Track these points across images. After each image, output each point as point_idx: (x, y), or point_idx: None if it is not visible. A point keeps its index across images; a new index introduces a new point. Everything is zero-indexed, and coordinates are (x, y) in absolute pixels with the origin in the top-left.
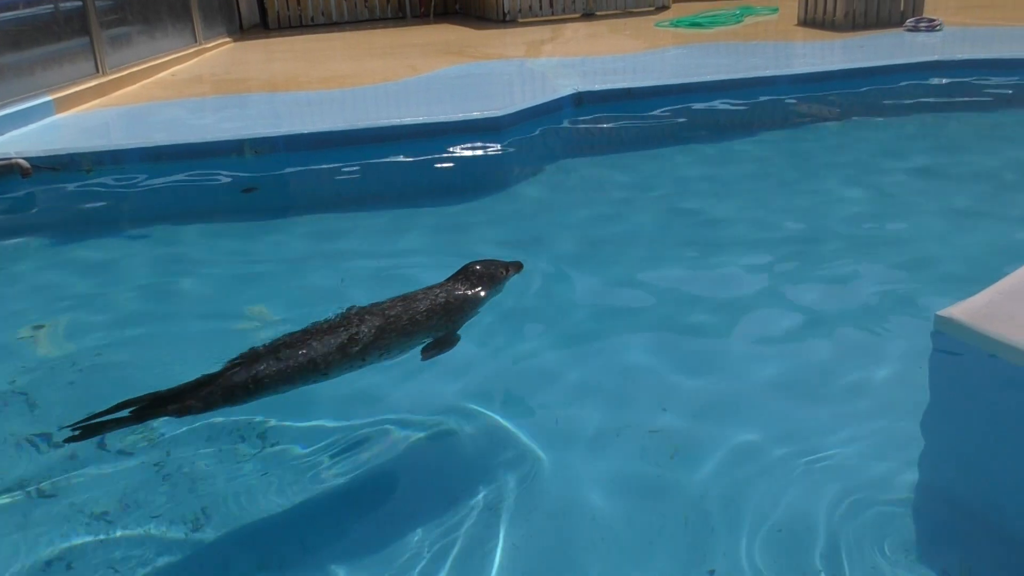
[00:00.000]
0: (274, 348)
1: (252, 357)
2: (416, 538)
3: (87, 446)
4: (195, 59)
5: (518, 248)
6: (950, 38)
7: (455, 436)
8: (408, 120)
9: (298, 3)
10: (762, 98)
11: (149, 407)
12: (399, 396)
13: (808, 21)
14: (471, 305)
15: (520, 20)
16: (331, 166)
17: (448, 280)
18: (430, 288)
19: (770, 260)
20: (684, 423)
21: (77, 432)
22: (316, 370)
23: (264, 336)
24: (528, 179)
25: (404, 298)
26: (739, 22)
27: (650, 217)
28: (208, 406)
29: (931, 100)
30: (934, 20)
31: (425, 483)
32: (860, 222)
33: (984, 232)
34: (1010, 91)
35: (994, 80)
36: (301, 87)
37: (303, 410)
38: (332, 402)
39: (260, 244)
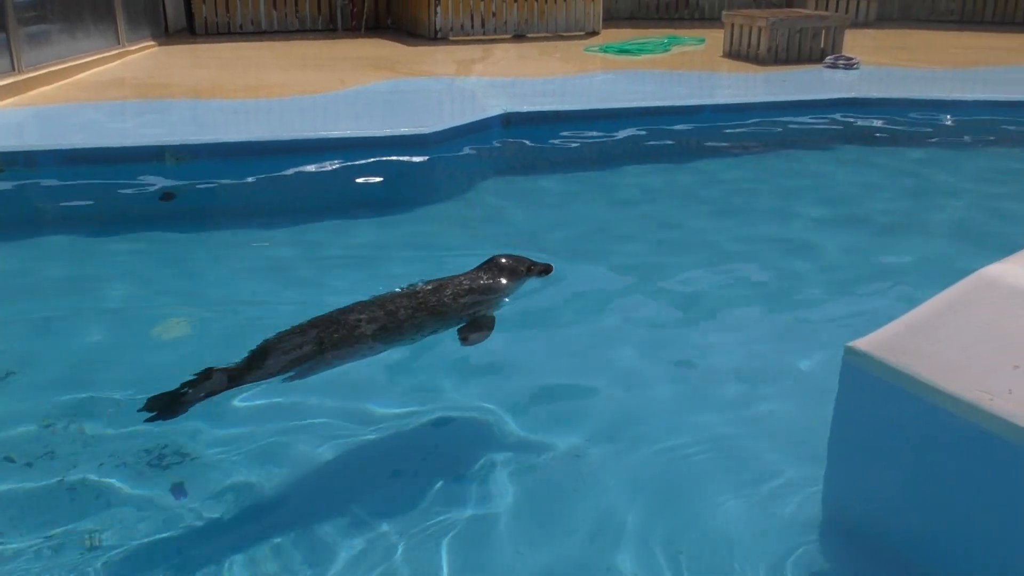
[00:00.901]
0: (321, 324)
1: (302, 333)
2: (381, 534)
3: None
4: (117, 62)
5: (438, 265)
6: (866, 76)
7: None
8: (335, 133)
9: (227, 9)
10: (687, 126)
11: (226, 378)
12: (333, 406)
13: (732, 53)
14: (492, 293)
15: (452, 38)
16: (254, 177)
17: (474, 269)
18: (456, 276)
19: (684, 288)
20: (577, 458)
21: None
22: (364, 344)
23: (172, 343)
24: (453, 197)
25: (436, 283)
26: (666, 51)
27: (570, 240)
28: (266, 375)
29: (847, 135)
30: (852, 59)
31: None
32: (774, 250)
33: (900, 264)
34: (921, 128)
35: (907, 117)
36: (227, 95)
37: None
38: (251, 415)
39: (177, 251)
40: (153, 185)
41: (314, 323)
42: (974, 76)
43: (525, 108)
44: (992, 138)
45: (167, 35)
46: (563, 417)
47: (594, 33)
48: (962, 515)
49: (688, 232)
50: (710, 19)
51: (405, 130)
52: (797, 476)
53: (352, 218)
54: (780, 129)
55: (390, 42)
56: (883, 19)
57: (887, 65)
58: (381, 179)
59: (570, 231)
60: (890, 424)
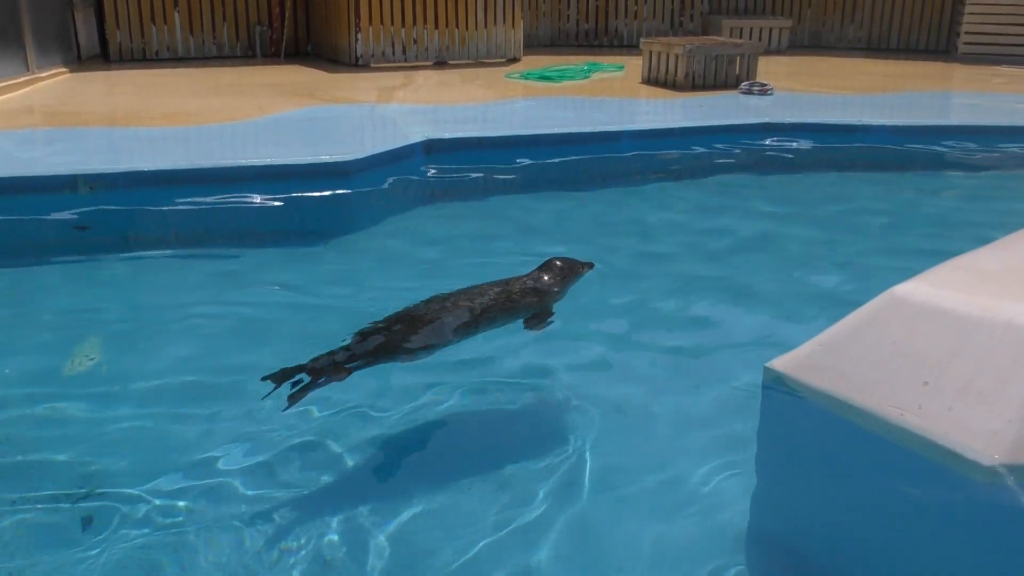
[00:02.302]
0: (405, 319)
1: (394, 324)
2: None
3: None
4: (26, 89)
5: (363, 291)
6: (780, 102)
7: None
8: (254, 160)
9: (142, 35)
10: (607, 152)
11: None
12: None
13: (651, 80)
14: (553, 289)
15: (373, 65)
16: (171, 206)
17: (534, 271)
18: (520, 276)
19: (601, 316)
20: (503, 486)
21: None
22: (447, 336)
23: (83, 374)
24: (375, 224)
25: (504, 282)
26: (586, 77)
27: (493, 267)
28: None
29: (762, 158)
30: (766, 85)
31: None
32: (694, 272)
33: (816, 283)
34: (833, 152)
35: (819, 140)
36: (143, 122)
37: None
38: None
39: (91, 283)
40: (66, 215)
41: (411, 312)
42: (882, 101)
43: (447, 135)
44: (901, 161)
45: (80, 62)
46: (473, 454)
47: (515, 60)
48: (879, 528)
49: (607, 257)
50: (629, 46)
51: (326, 157)
52: (726, 494)
53: (273, 247)
54: (698, 153)
55: (310, 68)
56: (794, 46)
57: (799, 91)
58: (302, 207)
59: (490, 258)
60: (809, 441)
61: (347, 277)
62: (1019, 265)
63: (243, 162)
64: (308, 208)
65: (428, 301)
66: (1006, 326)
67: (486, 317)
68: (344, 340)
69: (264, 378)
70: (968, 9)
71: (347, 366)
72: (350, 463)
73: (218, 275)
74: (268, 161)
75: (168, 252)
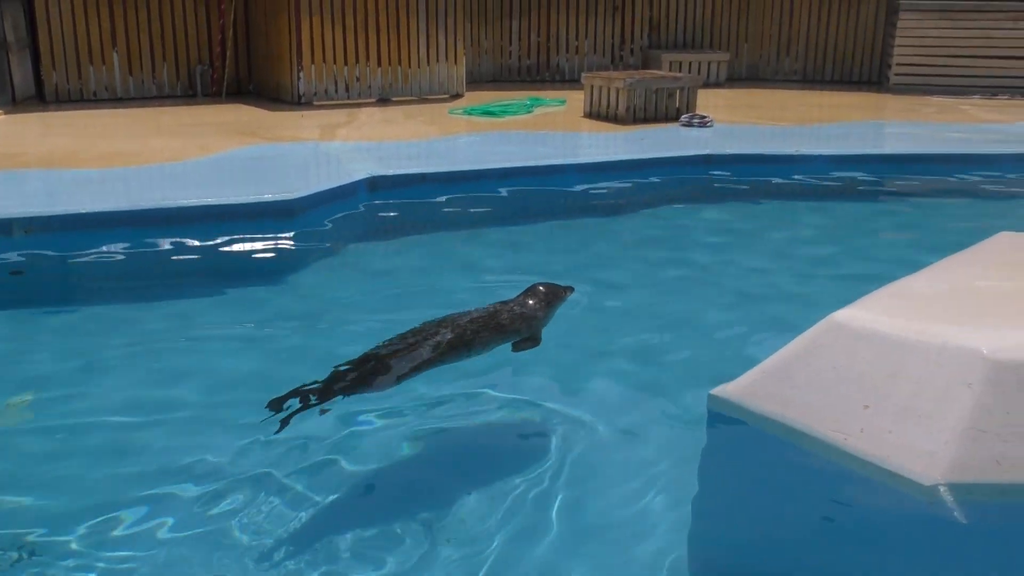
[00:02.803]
0: (409, 341)
1: (393, 348)
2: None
3: None
4: None
5: (311, 328)
6: (720, 133)
7: None
8: (196, 201)
9: (79, 76)
10: (552, 185)
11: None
12: None
13: (593, 114)
14: (538, 313)
15: (316, 103)
16: (111, 248)
17: (519, 296)
18: (507, 301)
19: (549, 347)
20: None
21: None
22: (445, 356)
23: (16, 427)
24: (321, 262)
25: (493, 307)
26: (529, 112)
27: (442, 301)
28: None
29: (703, 189)
30: (706, 117)
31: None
32: (637, 300)
33: (759, 311)
34: (772, 181)
35: (758, 171)
36: (81, 164)
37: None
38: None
39: (28, 329)
40: (1, 260)
41: (403, 338)
42: (819, 131)
43: (391, 171)
44: (838, 190)
45: (14, 104)
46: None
47: (458, 96)
48: (823, 551)
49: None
50: (570, 81)
51: (270, 196)
52: (667, 520)
53: (217, 288)
54: (641, 185)
55: (252, 107)
56: (732, 79)
57: (739, 122)
58: (246, 247)
59: (438, 293)
60: (755, 467)
61: (293, 315)
62: (952, 289)
63: (185, 202)
64: (253, 247)
65: (421, 327)
66: (941, 349)
67: (479, 341)
68: (340, 365)
69: (267, 406)
70: (898, 42)
71: (364, 387)
72: (313, 497)
73: (161, 318)
74: (210, 201)
75: (108, 296)
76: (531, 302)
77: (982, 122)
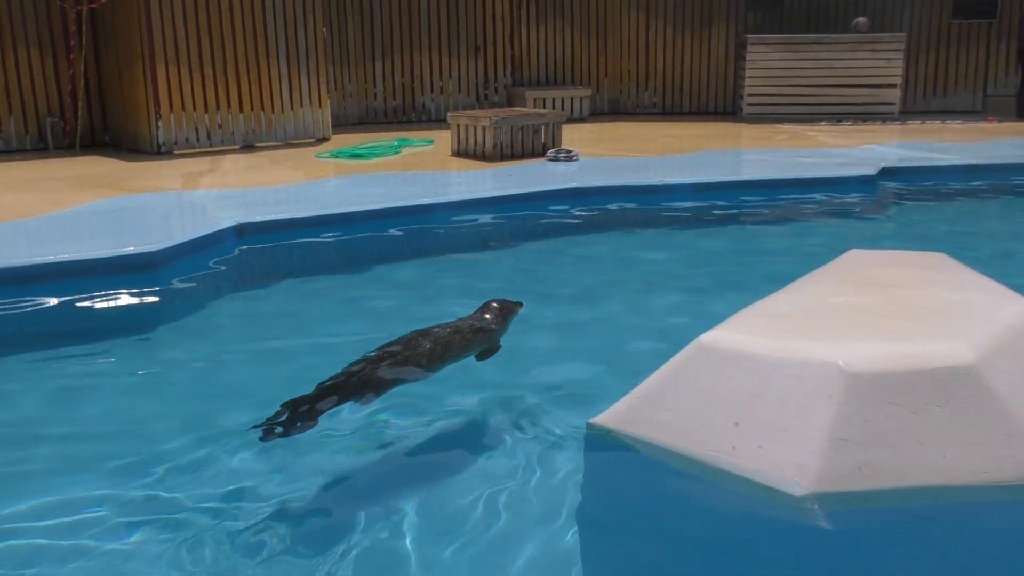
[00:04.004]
0: (387, 354)
1: (371, 362)
2: None
3: None
4: None
5: (179, 382)
6: (586, 167)
7: None
8: (52, 258)
9: None
10: (422, 224)
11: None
12: None
13: (461, 152)
14: (493, 326)
15: (177, 152)
16: None
17: (476, 312)
18: (467, 318)
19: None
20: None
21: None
22: (424, 366)
23: None
24: (189, 314)
25: (455, 324)
26: (397, 153)
27: (318, 346)
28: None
29: (571, 222)
30: (571, 151)
31: None
32: (515, 336)
33: (635, 337)
34: (639, 212)
35: (625, 202)
36: None
37: None
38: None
39: None
40: None
41: (384, 350)
42: (681, 161)
43: (258, 218)
44: (701, 216)
45: None
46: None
47: (324, 139)
48: (704, 568)
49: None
50: (437, 120)
51: (131, 249)
52: (547, 549)
53: (79, 347)
54: (511, 221)
55: (109, 159)
56: (595, 113)
57: (604, 155)
58: (108, 303)
59: (312, 337)
60: (633, 491)
61: (160, 369)
62: (808, 307)
63: (38, 260)
64: (115, 303)
65: (394, 342)
66: (802, 365)
67: (449, 354)
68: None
69: (254, 427)
70: (748, 74)
71: (354, 398)
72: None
73: (17, 379)
74: (67, 257)
75: None
76: (488, 316)
77: (829, 147)
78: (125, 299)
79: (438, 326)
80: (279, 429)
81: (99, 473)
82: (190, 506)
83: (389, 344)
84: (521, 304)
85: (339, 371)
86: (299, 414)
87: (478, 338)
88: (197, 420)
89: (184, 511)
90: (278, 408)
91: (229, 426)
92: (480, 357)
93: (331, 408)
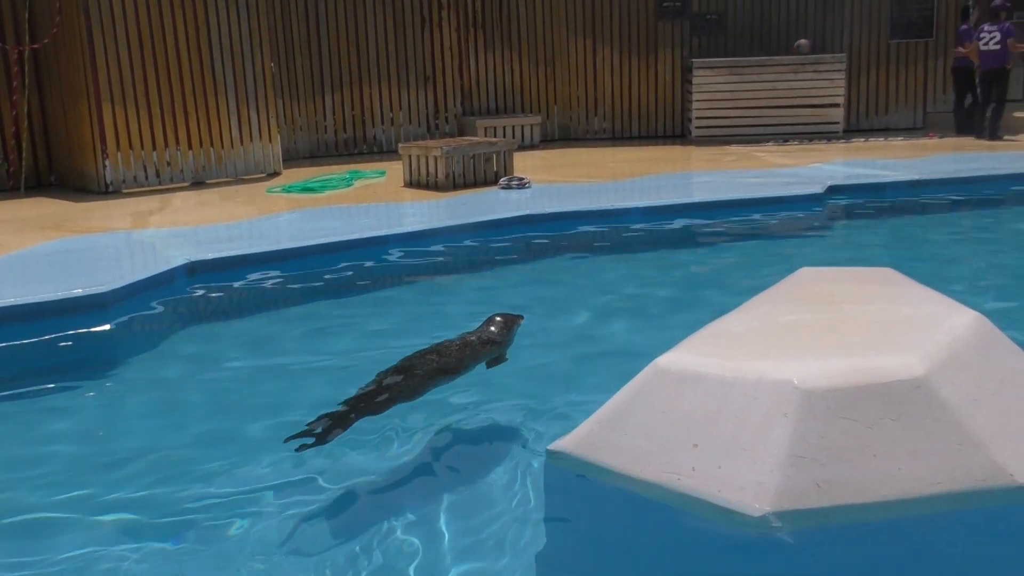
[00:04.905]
0: (406, 368)
1: (394, 375)
2: None
3: None
4: None
5: (130, 422)
6: (538, 194)
7: None
8: None
9: None
10: (376, 256)
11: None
12: None
13: (413, 183)
14: (497, 339)
15: (125, 191)
16: None
17: (482, 325)
18: (473, 331)
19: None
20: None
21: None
22: (440, 378)
23: None
24: (141, 354)
25: (463, 337)
26: (349, 186)
27: (272, 384)
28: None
29: (525, 249)
30: (523, 179)
31: None
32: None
33: (593, 361)
34: (591, 237)
35: (578, 228)
36: None
37: None
38: None
39: None
40: None
41: (399, 367)
42: (632, 185)
43: (210, 255)
44: (655, 239)
45: None
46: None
47: (275, 174)
48: None
49: (379, 357)
50: (389, 152)
51: (79, 291)
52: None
53: (29, 389)
54: (464, 250)
55: (56, 200)
56: (546, 140)
57: (555, 182)
58: (56, 346)
59: (268, 375)
60: (595, 517)
61: (113, 411)
62: (762, 327)
63: None
64: (65, 346)
65: (413, 355)
66: (757, 383)
67: (463, 365)
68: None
69: (288, 439)
70: (695, 97)
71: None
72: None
73: None
74: (12, 301)
75: None
76: (493, 329)
77: (777, 167)
78: (76, 341)
79: (445, 342)
80: (311, 439)
81: (49, 513)
82: (145, 543)
83: (411, 357)
84: (522, 317)
85: (371, 380)
86: (336, 422)
87: (486, 349)
88: (152, 458)
89: (138, 549)
90: (313, 419)
91: (184, 463)
92: (490, 365)
93: (362, 418)
